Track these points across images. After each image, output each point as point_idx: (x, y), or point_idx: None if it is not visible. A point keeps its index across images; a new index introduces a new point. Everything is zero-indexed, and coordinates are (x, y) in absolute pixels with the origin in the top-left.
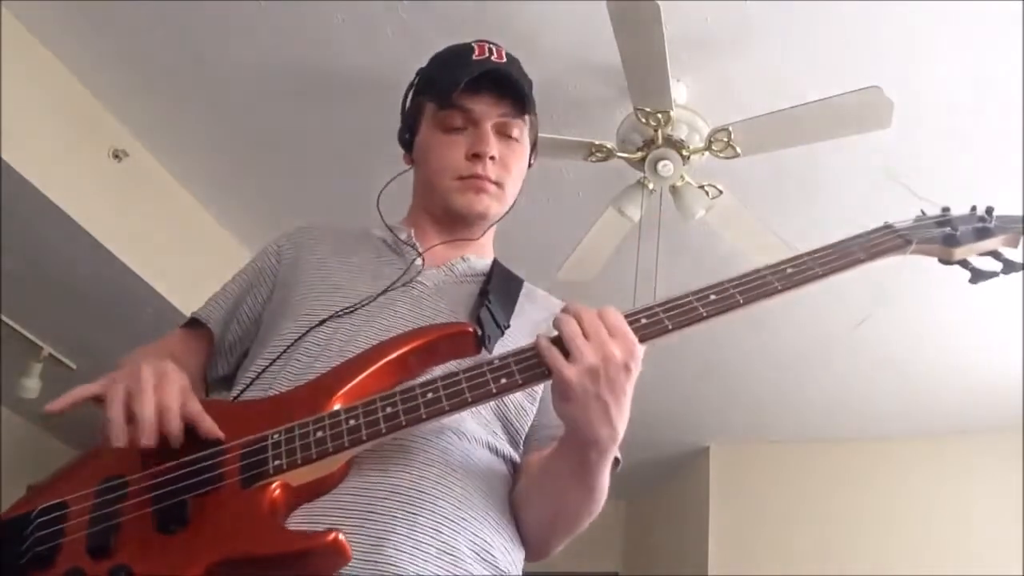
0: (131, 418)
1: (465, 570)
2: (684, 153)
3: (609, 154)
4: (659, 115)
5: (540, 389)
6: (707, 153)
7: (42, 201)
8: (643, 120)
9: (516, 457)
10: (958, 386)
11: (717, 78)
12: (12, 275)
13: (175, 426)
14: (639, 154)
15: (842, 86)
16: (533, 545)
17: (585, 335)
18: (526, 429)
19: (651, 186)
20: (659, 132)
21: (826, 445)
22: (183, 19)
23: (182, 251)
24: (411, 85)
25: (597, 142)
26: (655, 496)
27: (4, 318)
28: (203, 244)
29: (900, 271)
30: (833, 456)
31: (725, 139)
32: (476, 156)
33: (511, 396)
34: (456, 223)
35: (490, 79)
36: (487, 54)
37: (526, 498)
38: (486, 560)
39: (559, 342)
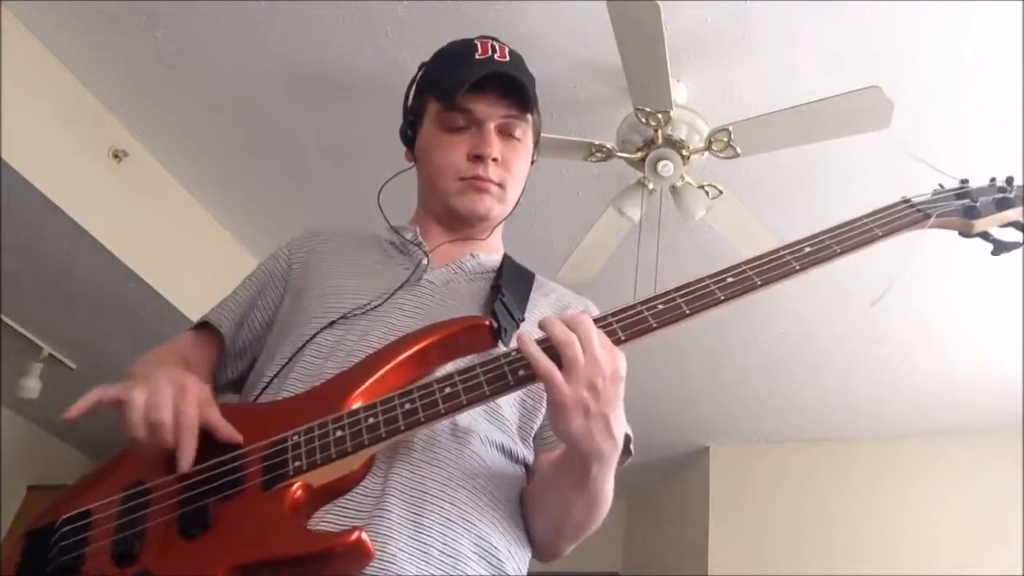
0: (151, 427)
1: (465, 572)
2: (684, 153)
3: (609, 154)
4: (659, 115)
5: None
6: (707, 153)
7: (42, 201)
8: (643, 120)
9: (529, 457)
10: (958, 386)
11: (717, 78)
12: (12, 275)
13: (192, 436)
14: (639, 154)
15: (842, 86)
16: (542, 547)
17: (583, 349)
18: (536, 427)
19: (651, 186)
20: (659, 132)
21: (826, 445)
22: (183, 19)
23: (181, 251)
24: (414, 80)
25: (597, 142)
26: (655, 496)
27: (4, 318)
28: (203, 244)
29: (901, 271)
30: (833, 456)
31: (725, 139)
32: (478, 157)
33: (526, 394)
34: (459, 223)
35: (494, 79)
36: (490, 52)
37: (534, 502)
38: (490, 563)
39: (549, 350)
